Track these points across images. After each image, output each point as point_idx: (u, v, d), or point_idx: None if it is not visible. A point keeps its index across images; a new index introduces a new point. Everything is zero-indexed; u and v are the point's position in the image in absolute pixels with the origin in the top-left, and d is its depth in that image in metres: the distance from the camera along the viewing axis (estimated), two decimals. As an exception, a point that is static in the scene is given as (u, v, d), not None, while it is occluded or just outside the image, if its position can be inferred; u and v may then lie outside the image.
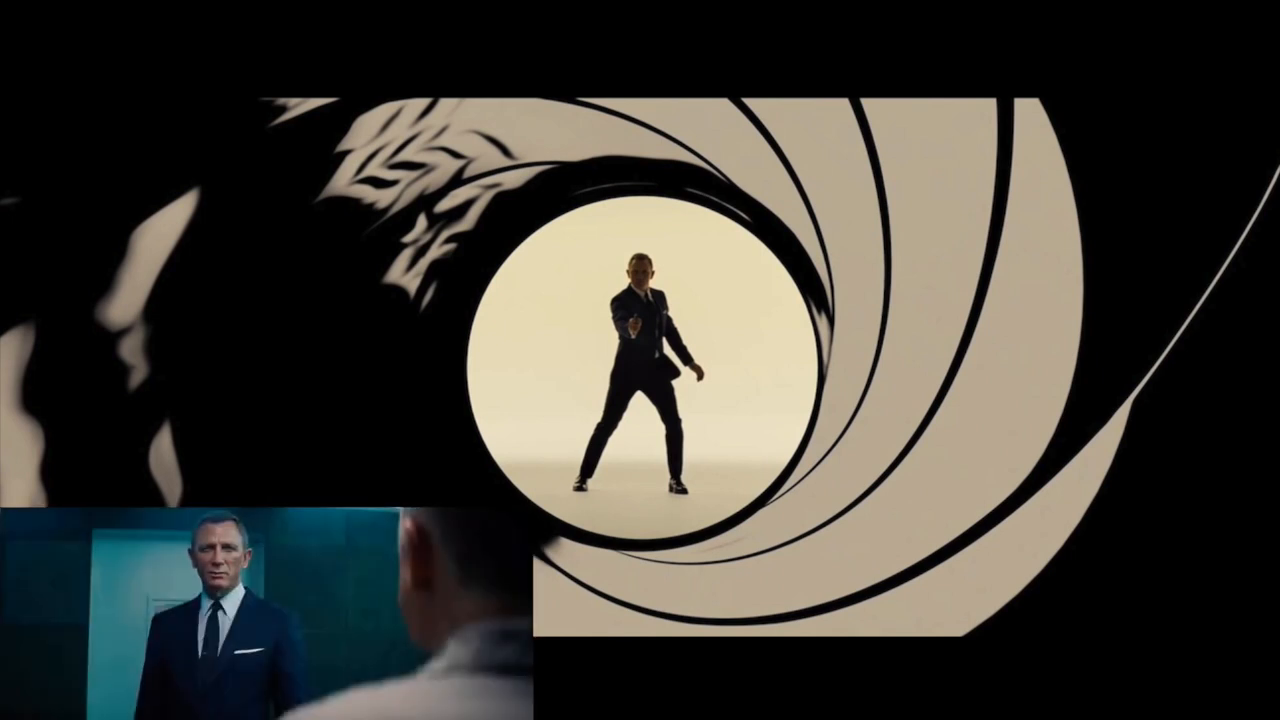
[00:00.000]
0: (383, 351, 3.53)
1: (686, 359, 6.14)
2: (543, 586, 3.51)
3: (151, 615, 3.17)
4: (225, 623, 3.11)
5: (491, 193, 3.59)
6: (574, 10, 3.40)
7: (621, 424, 6.04)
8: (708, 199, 3.64)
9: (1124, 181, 3.38)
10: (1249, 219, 3.35)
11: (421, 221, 3.56)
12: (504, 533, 1.52)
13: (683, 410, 6.05)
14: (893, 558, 3.45)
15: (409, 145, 3.49)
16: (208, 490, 3.40)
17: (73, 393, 3.37)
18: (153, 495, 3.38)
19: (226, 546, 3.12)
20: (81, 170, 3.37)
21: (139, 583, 3.38)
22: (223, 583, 3.11)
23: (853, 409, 3.54)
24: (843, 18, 3.40)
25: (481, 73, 3.43)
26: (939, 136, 3.44)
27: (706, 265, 8.18)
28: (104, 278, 3.37)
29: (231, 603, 3.12)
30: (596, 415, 6.04)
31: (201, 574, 3.13)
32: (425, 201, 3.55)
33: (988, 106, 3.41)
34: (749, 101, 3.48)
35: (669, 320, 6.13)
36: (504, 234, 3.65)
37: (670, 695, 3.41)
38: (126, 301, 3.38)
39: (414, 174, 3.52)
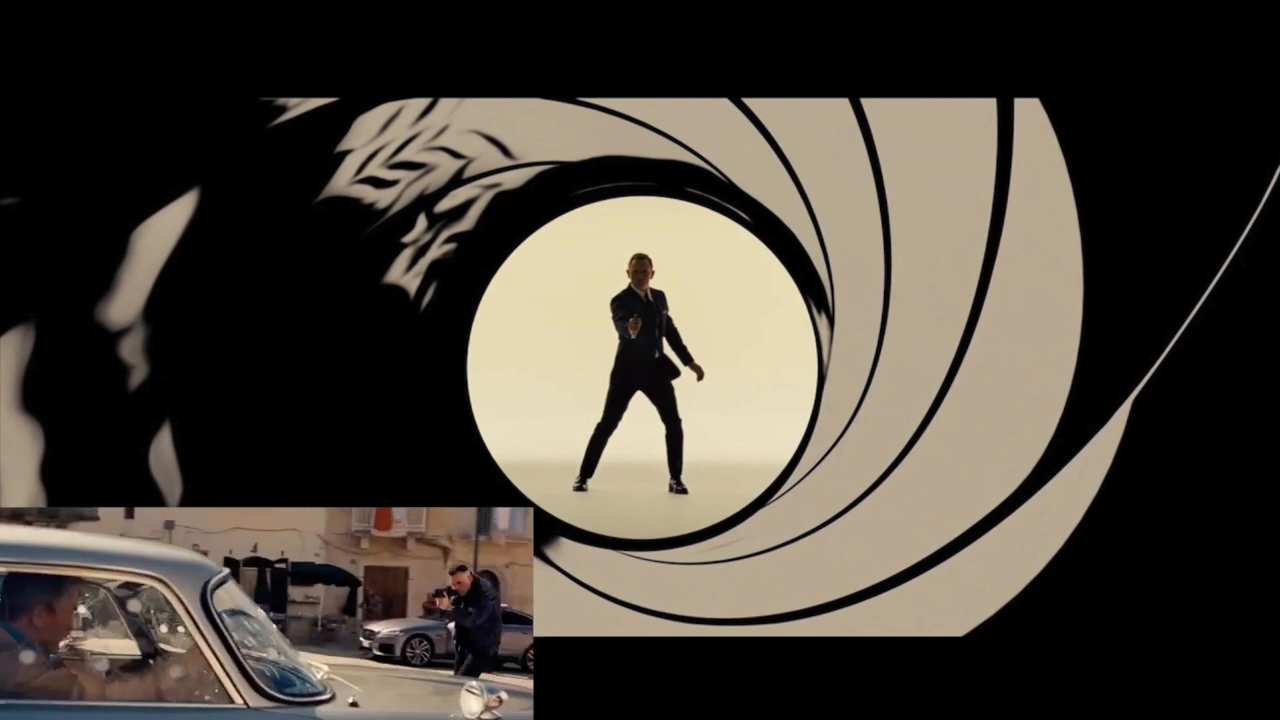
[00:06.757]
0: (383, 351, 3.52)
1: (686, 359, 6.13)
2: (543, 586, 3.51)
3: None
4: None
5: (491, 193, 3.59)
6: (574, 10, 3.40)
7: (621, 424, 6.03)
8: (708, 199, 3.64)
9: (1124, 181, 3.38)
10: (1249, 219, 3.35)
11: (421, 221, 3.56)
12: None
13: (683, 410, 6.04)
14: (893, 558, 3.45)
15: (409, 145, 3.49)
16: (208, 490, 3.40)
17: (73, 393, 3.37)
18: (153, 495, 3.38)
19: None
20: (81, 170, 3.37)
21: None
22: None
23: (853, 409, 3.54)
24: (843, 18, 3.40)
25: (481, 73, 3.43)
26: (939, 136, 3.44)
27: (706, 265, 8.17)
28: (104, 278, 3.37)
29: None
30: (596, 415, 6.03)
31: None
32: (425, 201, 3.55)
33: (988, 106, 3.41)
34: (749, 101, 3.48)
35: (669, 320, 6.12)
36: (504, 234, 3.65)
37: (670, 695, 3.41)
38: (126, 301, 3.38)
39: (414, 174, 3.52)
